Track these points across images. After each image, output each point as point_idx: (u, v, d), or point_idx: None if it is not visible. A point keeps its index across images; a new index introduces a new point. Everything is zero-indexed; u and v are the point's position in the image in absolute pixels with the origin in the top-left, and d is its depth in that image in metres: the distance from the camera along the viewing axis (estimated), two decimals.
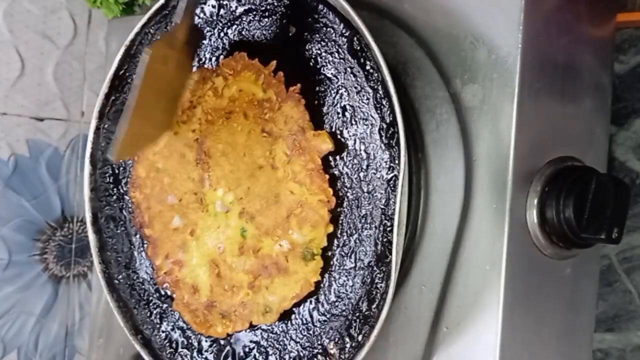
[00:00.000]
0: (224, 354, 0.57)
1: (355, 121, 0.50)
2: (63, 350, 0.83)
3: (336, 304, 0.51)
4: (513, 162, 0.48)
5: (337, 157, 0.51)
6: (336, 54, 0.51)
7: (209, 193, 0.56)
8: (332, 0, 0.51)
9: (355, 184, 0.50)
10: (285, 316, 0.53)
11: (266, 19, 0.55)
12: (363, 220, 0.50)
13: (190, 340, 0.59)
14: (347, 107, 0.51)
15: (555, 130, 0.52)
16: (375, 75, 0.49)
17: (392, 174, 0.49)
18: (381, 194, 0.49)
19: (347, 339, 0.50)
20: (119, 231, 0.63)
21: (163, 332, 0.60)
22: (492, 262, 0.48)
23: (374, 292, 0.49)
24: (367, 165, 0.50)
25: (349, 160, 0.51)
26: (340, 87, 0.51)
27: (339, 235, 0.51)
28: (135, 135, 0.50)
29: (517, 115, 0.48)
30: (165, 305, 0.60)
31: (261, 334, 0.55)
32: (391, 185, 0.49)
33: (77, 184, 0.83)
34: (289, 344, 0.53)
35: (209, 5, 0.58)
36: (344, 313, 0.50)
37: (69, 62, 0.81)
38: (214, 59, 0.58)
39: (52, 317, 0.81)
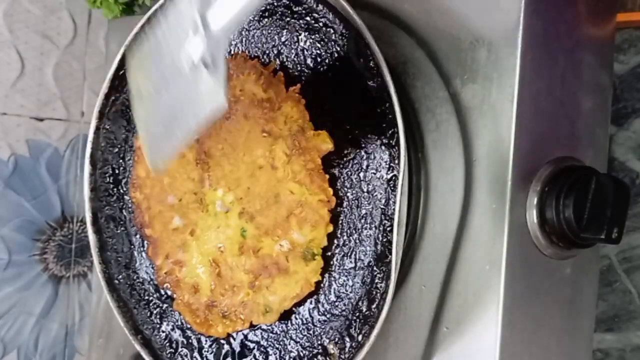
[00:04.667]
0: (224, 353, 0.57)
1: None
2: (63, 350, 0.83)
3: (336, 303, 0.51)
4: (513, 162, 0.48)
5: (337, 157, 0.51)
6: (336, 54, 0.51)
7: (209, 193, 0.56)
8: (332, 0, 0.51)
9: (355, 183, 0.50)
10: (286, 316, 0.53)
11: (266, 19, 0.55)
12: (363, 220, 0.50)
13: (190, 340, 0.59)
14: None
15: (555, 130, 0.52)
16: (376, 75, 0.49)
17: (392, 174, 0.49)
18: (381, 194, 0.49)
19: (347, 339, 0.50)
20: (119, 231, 0.63)
21: (163, 332, 0.60)
22: (492, 262, 0.48)
23: (374, 292, 0.49)
24: (367, 165, 0.50)
25: (349, 160, 0.51)
26: (340, 87, 0.51)
27: (339, 235, 0.51)
28: None
29: (517, 115, 0.48)
30: (165, 305, 0.60)
31: (261, 333, 0.55)
32: (391, 185, 0.49)
33: (77, 184, 0.83)
34: (289, 344, 0.53)
35: None
36: (344, 313, 0.50)
37: (69, 62, 0.81)
38: None
39: (52, 317, 0.81)
